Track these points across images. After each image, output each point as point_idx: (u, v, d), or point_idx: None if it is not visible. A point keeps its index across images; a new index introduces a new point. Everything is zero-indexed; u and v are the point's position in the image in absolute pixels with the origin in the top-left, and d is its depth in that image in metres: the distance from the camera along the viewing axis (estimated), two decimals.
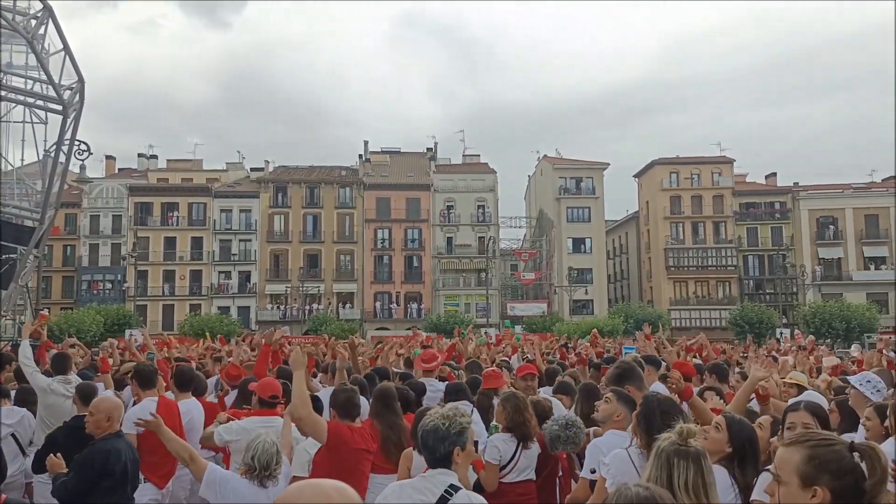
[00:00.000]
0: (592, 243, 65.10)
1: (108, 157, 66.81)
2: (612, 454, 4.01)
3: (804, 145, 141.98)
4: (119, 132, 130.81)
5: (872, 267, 62.47)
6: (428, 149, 69.19)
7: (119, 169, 67.12)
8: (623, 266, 74.06)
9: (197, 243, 62.22)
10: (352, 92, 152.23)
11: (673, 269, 64.26)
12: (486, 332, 40.42)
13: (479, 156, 68.38)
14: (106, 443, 4.79)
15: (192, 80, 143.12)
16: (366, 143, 67.70)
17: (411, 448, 4.99)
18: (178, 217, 62.07)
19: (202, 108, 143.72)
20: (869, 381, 5.34)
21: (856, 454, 2.18)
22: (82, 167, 22.03)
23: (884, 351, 13.48)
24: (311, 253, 62.79)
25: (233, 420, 5.66)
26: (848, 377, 7.04)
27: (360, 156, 67.05)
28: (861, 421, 4.73)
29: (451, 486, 3.26)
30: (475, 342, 15.88)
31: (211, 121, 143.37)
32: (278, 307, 61.50)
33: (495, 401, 6.23)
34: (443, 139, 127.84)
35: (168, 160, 67.56)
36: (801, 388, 6.64)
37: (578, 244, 64.82)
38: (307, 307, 59.77)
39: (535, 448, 5.40)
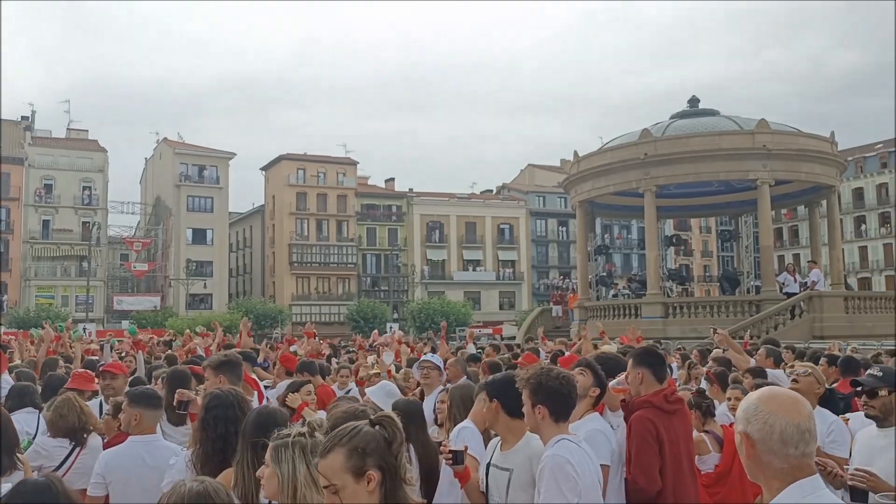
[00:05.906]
0: (214, 235, 62.74)
1: None
2: None
3: (420, 155, 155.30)
4: None
5: (470, 268, 70.13)
6: (23, 117, 60.17)
7: None
8: (246, 260, 72.70)
9: None
10: None
11: (296, 264, 64.64)
12: (84, 328, 35.72)
13: (87, 131, 61.71)
14: None
15: None
16: None
17: None
18: None
19: None
20: None
21: (377, 427, 2.30)
22: None
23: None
24: None
25: None
26: None
27: None
28: None
29: None
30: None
31: None
32: None
33: None
34: (43, 108, 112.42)
35: None
36: None
37: (199, 235, 61.99)
38: None
39: None
